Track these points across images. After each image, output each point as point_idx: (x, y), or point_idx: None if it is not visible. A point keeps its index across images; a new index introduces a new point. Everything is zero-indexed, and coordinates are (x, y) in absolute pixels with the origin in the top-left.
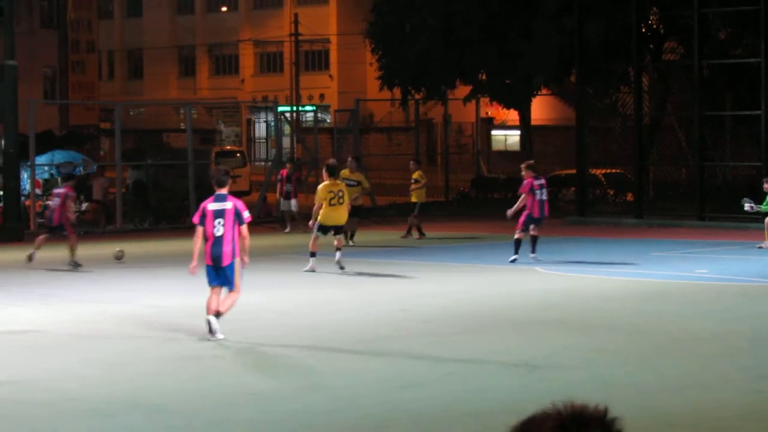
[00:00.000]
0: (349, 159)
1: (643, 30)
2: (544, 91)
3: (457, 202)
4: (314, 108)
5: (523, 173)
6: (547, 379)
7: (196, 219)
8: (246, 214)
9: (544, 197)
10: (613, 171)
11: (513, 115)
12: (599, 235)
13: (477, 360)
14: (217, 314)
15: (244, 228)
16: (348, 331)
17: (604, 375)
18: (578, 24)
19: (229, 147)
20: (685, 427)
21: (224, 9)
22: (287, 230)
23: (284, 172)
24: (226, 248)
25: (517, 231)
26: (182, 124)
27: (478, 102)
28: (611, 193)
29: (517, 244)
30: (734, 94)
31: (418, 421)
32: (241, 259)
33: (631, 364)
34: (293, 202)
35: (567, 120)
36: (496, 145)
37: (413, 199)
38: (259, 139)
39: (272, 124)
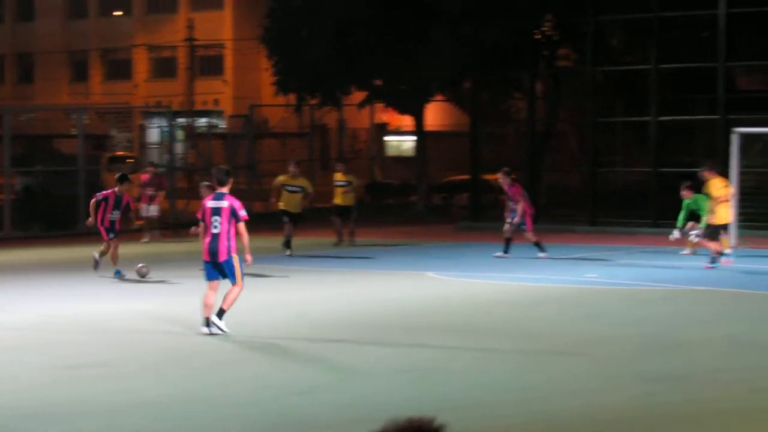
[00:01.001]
0: (291, 166)
1: (538, 37)
2: (438, 97)
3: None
4: (208, 114)
5: (505, 179)
6: (436, 383)
7: (199, 215)
8: (243, 213)
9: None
10: None
11: (407, 121)
12: (491, 241)
13: (367, 365)
14: (220, 312)
15: (241, 226)
16: (238, 337)
17: (493, 379)
18: (474, 31)
19: (121, 153)
20: (575, 431)
21: (118, 13)
22: (146, 239)
23: (145, 176)
24: (222, 245)
25: (531, 233)
26: (73, 129)
27: (372, 108)
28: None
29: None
30: (624, 101)
31: (308, 428)
32: (243, 258)
33: (520, 368)
34: (153, 207)
35: (461, 126)
36: (390, 151)
37: (343, 202)
38: (152, 145)
39: (165, 129)
